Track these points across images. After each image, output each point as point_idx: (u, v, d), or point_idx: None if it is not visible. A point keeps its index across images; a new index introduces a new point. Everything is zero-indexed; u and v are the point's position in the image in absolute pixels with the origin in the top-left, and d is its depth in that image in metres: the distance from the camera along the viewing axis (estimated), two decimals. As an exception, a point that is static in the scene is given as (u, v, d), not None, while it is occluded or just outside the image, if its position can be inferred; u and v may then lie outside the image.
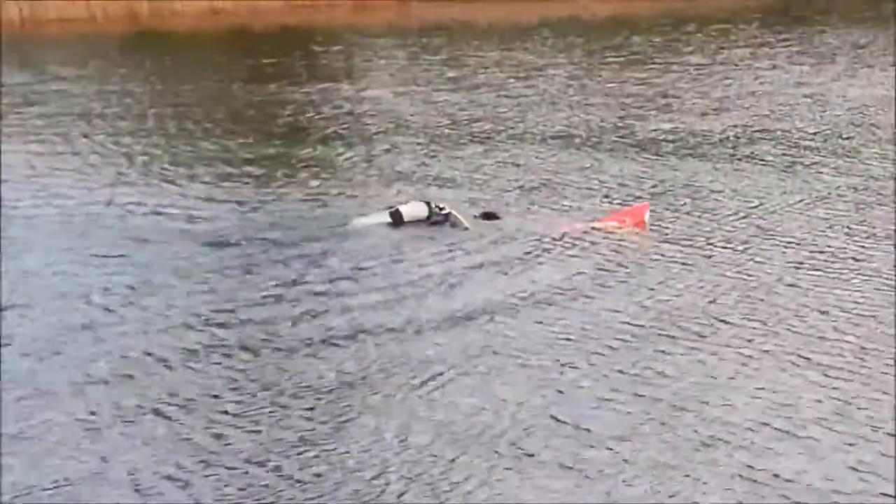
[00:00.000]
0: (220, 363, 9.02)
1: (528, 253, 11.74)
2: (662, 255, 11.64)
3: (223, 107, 21.94)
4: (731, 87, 22.00)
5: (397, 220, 12.87)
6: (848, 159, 15.88)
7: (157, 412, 8.14)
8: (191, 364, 9.02)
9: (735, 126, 18.41)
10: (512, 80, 23.73)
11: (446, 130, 18.86)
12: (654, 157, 16.39)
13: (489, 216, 13.05)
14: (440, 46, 29.50)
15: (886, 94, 20.74)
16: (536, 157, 16.60)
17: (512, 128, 18.93)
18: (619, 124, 18.88)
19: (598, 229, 12.49)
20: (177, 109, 21.58)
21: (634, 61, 26.09)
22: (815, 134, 17.68)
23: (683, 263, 11.33)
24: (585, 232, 12.39)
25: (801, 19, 32.47)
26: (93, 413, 8.11)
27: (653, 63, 25.61)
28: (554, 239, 12.14)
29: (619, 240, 12.16)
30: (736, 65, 24.86)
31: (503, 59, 26.83)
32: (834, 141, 17.11)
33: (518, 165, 16.12)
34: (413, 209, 12.97)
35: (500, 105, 21.05)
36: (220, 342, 9.45)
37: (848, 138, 17.24)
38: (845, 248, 11.75)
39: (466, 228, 12.65)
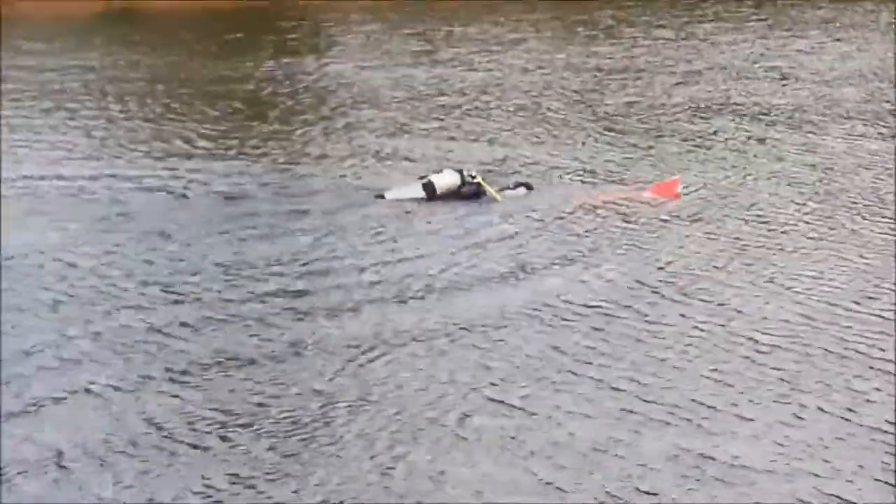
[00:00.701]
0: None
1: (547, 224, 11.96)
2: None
3: (187, 83, 21.76)
4: (698, 62, 21.89)
5: (430, 192, 12.96)
6: (811, 135, 15.83)
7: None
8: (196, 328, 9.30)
9: (699, 100, 18.32)
10: (477, 55, 23.55)
11: (412, 104, 18.75)
12: (619, 133, 16.34)
13: (524, 185, 13.16)
14: (413, 21, 29.26)
15: (854, 68, 20.67)
16: (503, 131, 16.51)
17: (475, 101, 18.81)
18: (582, 99, 18.80)
19: (630, 199, 12.68)
20: (137, 86, 21.41)
21: (602, 36, 25.96)
22: (778, 108, 17.60)
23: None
24: (614, 202, 12.56)
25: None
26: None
27: (620, 37, 25.49)
28: (573, 212, 12.32)
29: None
30: (703, 39, 24.74)
31: (476, 34, 26.62)
32: (798, 115, 17.05)
33: (483, 140, 16.02)
34: (445, 179, 13.05)
35: (466, 79, 20.90)
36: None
37: (812, 112, 17.16)
38: (804, 224, 11.75)
39: (496, 200, 12.77)
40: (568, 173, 14.08)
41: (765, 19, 27.43)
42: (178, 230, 12.00)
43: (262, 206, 12.97)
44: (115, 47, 27.24)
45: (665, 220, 11.99)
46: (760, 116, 17.10)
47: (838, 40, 24.10)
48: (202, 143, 16.40)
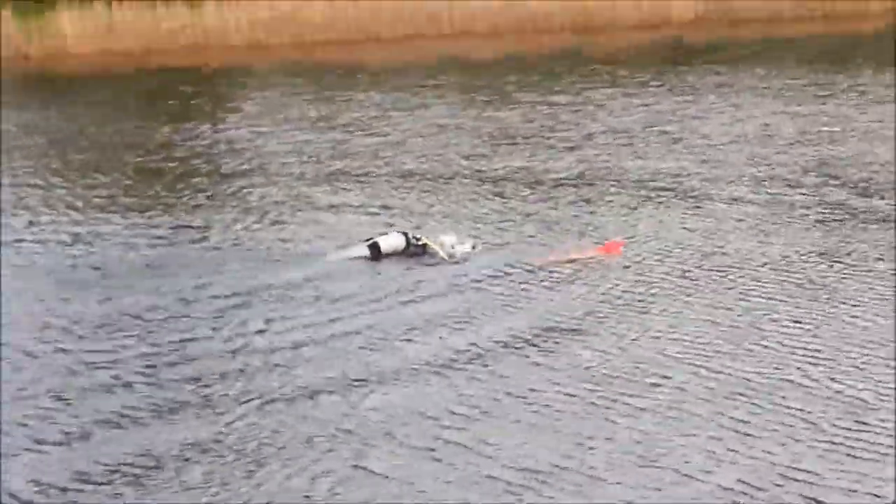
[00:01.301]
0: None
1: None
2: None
3: (88, 145, 21.82)
4: (592, 126, 22.15)
5: (375, 253, 13.06)
6: (692, 199, 16.04)
7: None
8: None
9: (587, 164, 18.53)
10: (376, 120, 23.69)
11: (305, 168, 18.83)
12: (500, 195, 16.50)
13: (467, 246, 13.26)
14: (323, 87, 29.39)
15: (741, 132, 21.04)
16: (389, 194, 16.73)
17: (362, 167, 18.91)
18: (466, 162, 18.98)
19: (574, 261, 12.80)
20: (31, 146, 21.45)
21: (501, 100, 26.21)
22: (664, 172, 17.83)
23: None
24: (561, 263, 12.71)
25: (686, 60, 32.85)
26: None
27: (519, 102, 25.76)
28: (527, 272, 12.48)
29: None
30: (600, 104, 25.07)
31: (379, 100, 26.77)
32: (683, 180, 17.26)
33: (370, 202, 16.18)
34: (391, 241, 13.18)
35: (359, 144, 21.00)
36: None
37: (696, 177, 17.39)
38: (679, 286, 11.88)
39: (444, 259, 12.90)
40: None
41: (661, 84, 27.85)
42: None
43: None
44: (16, 107, 27.15)
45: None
46: (646, 181, 17.25)
47: (733, 105, 24.48)
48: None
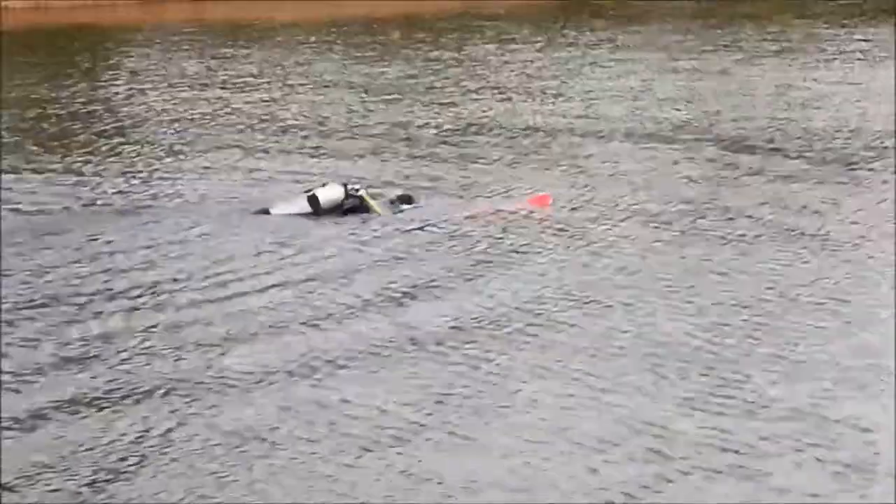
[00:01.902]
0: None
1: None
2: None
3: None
4: (472, 82, 22.24)
5: (315, 205, 13.05)
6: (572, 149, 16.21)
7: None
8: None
9: (469, 118, 18.69)
10: (255, 79, 23.50)
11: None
12: (381, 151, 16.62)
13: (404, 199, 13.34)
14: (207, 46, 29.01)
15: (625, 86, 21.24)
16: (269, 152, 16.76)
17: (240, 123, 18.84)
18: (344, 118, 19.06)
19: (505, 212, 13.03)
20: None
21: (386, 56, 26.15)
22: (545, 126, 17.99)
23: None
24: (493, 214, 12.91)
25: (574, 18, 32.98)
26: None
27: (402, 59, 25.73)
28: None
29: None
30: (479, 60, 25.13)
31: (260, 58, 26.56)
32: (563, 137, 17.41)
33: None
34: (329, 192, 13.15)
35: (237, 102, 20.87)
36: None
37: (577, 131, 17.55)
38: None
39: (378, 214, 12.97)
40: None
41: (544, 42, 27.98)
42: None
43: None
44: None
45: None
46: (526, 133, 17.40)
47: (614, 61, 24.71)
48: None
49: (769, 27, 29.36)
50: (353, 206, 13.10)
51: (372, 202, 13.13)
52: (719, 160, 15.69)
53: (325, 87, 22.42)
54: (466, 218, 12.84)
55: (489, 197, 13.82)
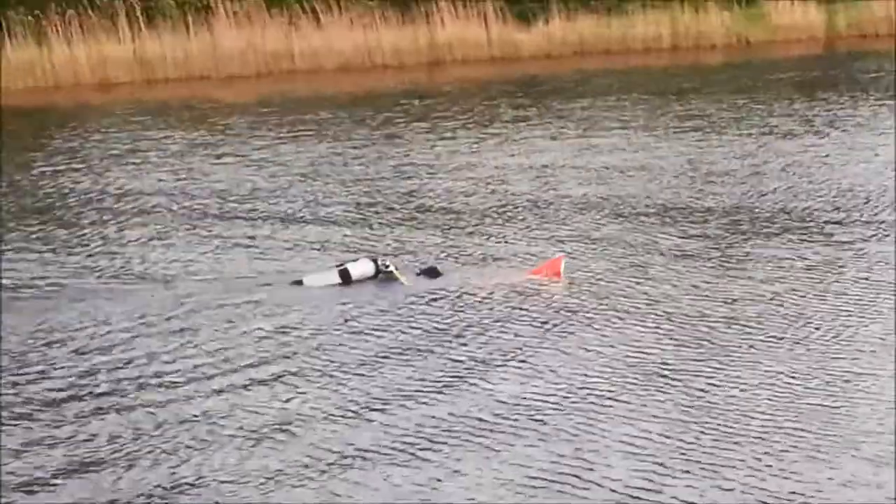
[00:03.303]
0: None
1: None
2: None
3: None
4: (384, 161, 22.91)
5: (346, 278, 13.62)
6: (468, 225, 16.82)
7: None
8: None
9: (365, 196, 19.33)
10: (172, 159, 24.03)
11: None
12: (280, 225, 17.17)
13: (431, 272, 13.85)
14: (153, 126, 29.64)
15: (530, 164, 21.91)
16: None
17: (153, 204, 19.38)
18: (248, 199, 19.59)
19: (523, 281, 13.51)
20: None
21: (307, 135, 26.82)
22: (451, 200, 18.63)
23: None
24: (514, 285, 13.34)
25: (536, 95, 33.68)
26: None
27: (327, 138, 26.41)
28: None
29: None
30: (402, 138, 25.82)
31: (178, 136, 27.12)
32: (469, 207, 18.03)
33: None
34: (361, 267, 13.75)
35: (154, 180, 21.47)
36: None
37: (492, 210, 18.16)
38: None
39: (402, 284, 13.48)
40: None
41: (472, 118, 28.68)
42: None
43: None
44: None
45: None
46: (426, 208, 18.03)
47: (533, 136, 25.39)
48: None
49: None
50: (384, 280, 13.68)
51: (400, 275, 13.68)
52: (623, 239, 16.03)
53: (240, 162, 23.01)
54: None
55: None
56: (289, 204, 18.80)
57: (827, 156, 21.94)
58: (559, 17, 44.84)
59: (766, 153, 22.47)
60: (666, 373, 10.44)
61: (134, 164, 23.32)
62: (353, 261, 13.96)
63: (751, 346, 11.15)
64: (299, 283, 13.66)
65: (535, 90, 34.38)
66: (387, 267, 13.78)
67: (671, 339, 11.43)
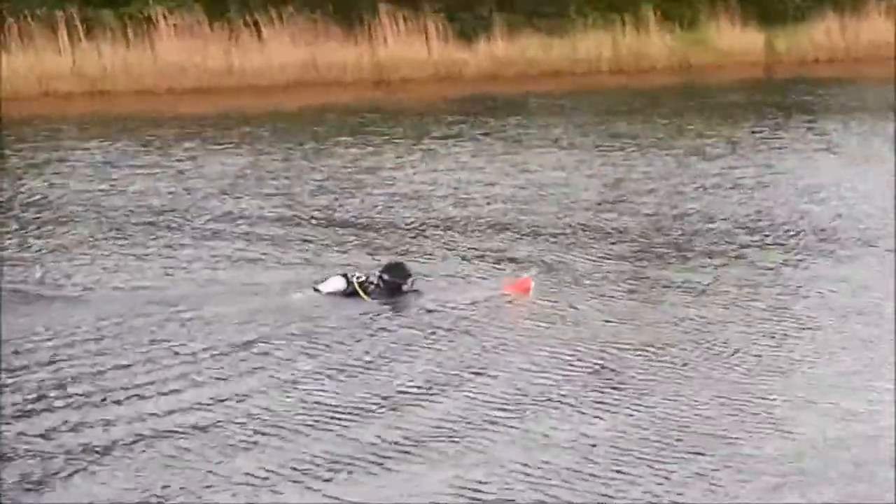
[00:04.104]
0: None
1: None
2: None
3: None
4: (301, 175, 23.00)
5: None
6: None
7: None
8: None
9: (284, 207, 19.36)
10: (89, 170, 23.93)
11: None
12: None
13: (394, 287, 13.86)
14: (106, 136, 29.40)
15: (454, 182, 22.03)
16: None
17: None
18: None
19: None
20: None
21: (229, 149, 26.85)
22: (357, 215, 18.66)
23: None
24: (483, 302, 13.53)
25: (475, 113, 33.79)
26: None
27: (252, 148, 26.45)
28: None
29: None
30: (327, 153, 25.95)
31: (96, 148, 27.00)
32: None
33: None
34: (333, 284, 13.80)
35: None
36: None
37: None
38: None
39: (365, 300, 13.60)
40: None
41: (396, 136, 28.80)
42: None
43: None
44: None
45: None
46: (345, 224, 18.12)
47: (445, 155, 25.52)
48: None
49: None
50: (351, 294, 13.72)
51: (361, 291, 13.69)
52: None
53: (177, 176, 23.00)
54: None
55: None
56: (205, 216, 18.78)
57: (747, 178, 22.15)
58: (501, 37, 44.91)
59: (688, 175, 22.67)
60: (562, 399, 10.46)
61: (55, 173, 23.20)
62: (324, 280, 14.00)
63: (657, 372, 11.15)
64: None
65: (472, 109, 34.50)
66: (358, 278, 13.80)
67: (572, 364, 11.43)
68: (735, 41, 48.42)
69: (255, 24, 41.89)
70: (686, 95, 38.85)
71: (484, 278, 14.39)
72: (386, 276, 13.86)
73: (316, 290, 13.81)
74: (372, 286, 13.77)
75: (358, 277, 13.80)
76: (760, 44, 49.19)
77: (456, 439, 9.50)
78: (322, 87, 41.48)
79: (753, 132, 29.02)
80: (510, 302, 13.64)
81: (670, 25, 47.21)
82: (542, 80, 43.14)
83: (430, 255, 16.16)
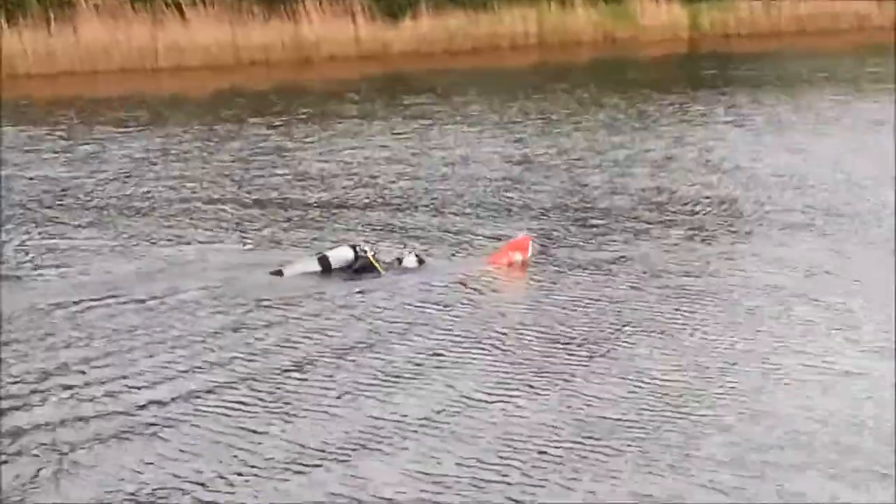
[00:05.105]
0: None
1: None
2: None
3: None
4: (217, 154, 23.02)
5: (325, 266, 13.61)
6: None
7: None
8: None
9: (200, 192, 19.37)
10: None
11: None
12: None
13: (410, 258, 13.81)
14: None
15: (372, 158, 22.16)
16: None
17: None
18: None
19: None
20: None
21: (137, 130, 26.81)
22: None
23: None
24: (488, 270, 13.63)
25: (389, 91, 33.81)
26: None
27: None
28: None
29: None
30: (240, 133, 25.91)
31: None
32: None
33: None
34: (339, 254, 13.71)
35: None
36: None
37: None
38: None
39: (380, 273, 13.52)
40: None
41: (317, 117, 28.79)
42: None
43: None
44: None
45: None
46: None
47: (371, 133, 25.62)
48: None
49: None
50: (361, 267, 13.60)
51: (376, 263, 13.65)
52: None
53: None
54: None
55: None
56: (108, 199, 18.75)
57: (654, 152, 22.32)
58: (427, 12, 44.99)
59: (595, 149, 22.84)
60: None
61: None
62: (331, 248, 14.01)
63: (556, 354, 10.78)
64: (279, 273, 13.53)
65: (391, 88, 34.60)
66: (365, 252, 13.72)
67: (468, 349, 11.01)
68: (660, 16, 48.87)
69: (178, 4, 41.70)
70: (607, 70, 39.15)
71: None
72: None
73: (322, 259, 13.66)
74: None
75: (364, 251, 13.74)
76: (685, 19, 49.65)
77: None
78: (245, 67, 41.40)
79: (666, 105, 29.28)
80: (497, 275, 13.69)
81: (595, 0, 47.50)
82: (465, 58, 43.29)
83: (334, 231, 16.14)
